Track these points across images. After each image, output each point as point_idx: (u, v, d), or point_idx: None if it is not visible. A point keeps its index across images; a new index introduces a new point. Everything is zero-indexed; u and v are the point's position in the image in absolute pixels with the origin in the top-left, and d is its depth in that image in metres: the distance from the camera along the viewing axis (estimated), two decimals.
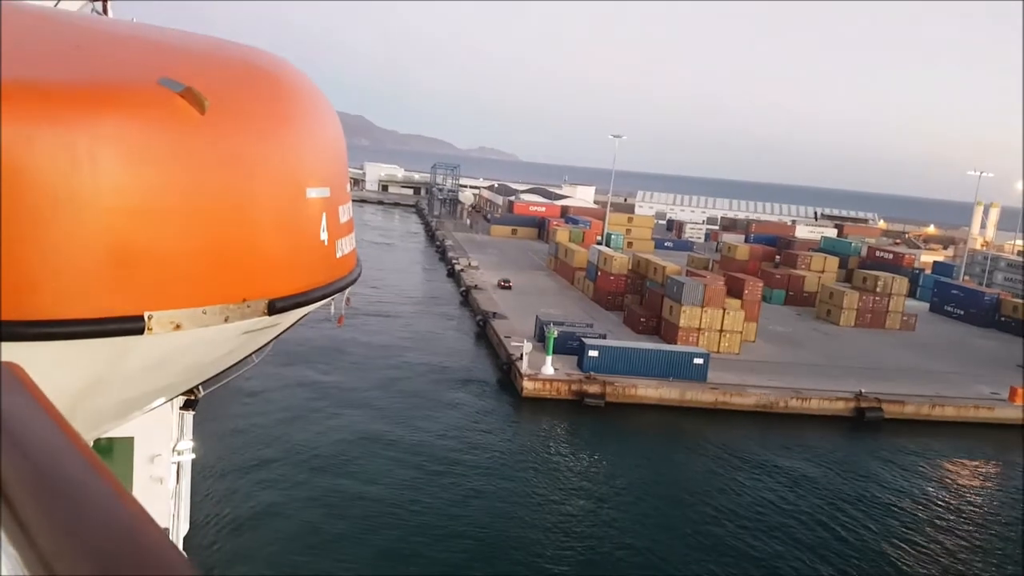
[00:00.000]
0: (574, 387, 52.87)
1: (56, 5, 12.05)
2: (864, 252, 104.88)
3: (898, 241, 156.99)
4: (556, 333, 55.12)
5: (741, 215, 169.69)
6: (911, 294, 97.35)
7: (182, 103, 5.33)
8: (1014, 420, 55.01)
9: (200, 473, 30.09)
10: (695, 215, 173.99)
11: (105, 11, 13.50)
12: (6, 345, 4.84)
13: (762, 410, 53.12)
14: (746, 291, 65.76)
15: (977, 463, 49.94)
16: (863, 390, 54.75)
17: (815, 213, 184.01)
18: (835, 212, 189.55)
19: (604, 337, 58.39)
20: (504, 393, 54.92)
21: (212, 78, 5.84)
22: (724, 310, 61.88)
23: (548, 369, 53.72)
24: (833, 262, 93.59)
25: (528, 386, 52.96)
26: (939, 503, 43.29)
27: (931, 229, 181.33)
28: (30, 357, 4.51)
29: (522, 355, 54.32)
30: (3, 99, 4.78)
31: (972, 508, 43.24)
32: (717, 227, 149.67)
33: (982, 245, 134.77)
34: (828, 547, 36.87)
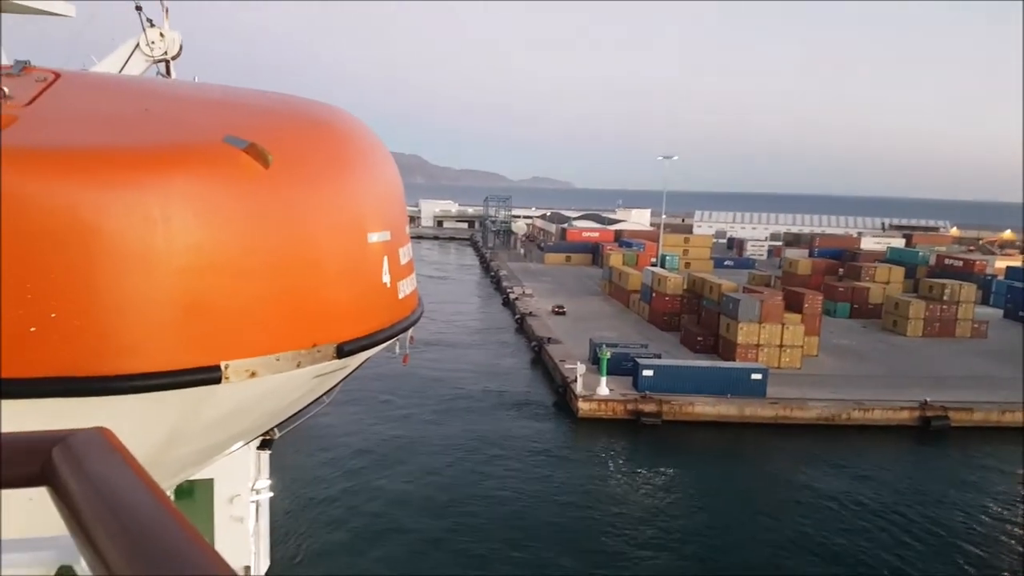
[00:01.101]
0: (629, 407, 52.73)
1: (121, 70, 13.46)
2: (932, 261, 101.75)
3: (971, 248, 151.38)
4: (609, 354, 55.14)
5: (806, 229, 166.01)
6: (984, 301, 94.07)
7: (247, 159, 5.54)
8: None
9: (277, 499, 31.31)
10: (757, 232, 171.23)
11: (168, 72, 14.04)
12: (89, 400, 5.08)
13: (824, 423, 51.95)
14: (806, 305, 64.64)
15: None
16: (928, 399, 53.02)
17: (882, 224, 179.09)
18: (904, 222, 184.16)
19: (659, 357, 58.10)
20: (561, 415, 55.11)
21: (273, 132, 6.06)
22: (783, 325, 60.94)
23: (603, 390, 53.73)
24: (899, 272, 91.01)
25: (583, 407, 53.03)
26: (1008, 509, 41.55)
27: (1007, 234, 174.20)
28: (113, 411, 5.07)
29: (576, 377, 54.48)
30: (80, 165, 5.06)
31: None
32: (780, 243, 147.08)
33: None
34: (896, 559, 35.78)
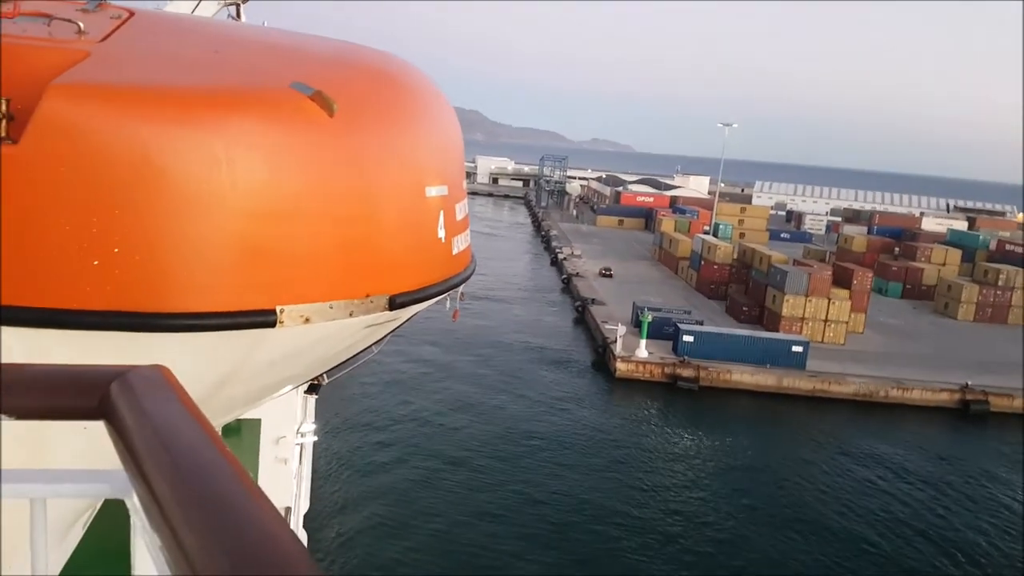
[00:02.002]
0: (667, 370, 53.70)
1: (194, 11, 13.50)
2: (993, 246, 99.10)
3: None
4: (651, 318, 56.03)
5: (868, 206, 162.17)
6: None
7: (312, 106, 5.57)
8: None
9: (322, 436, 33.32)
10: (817, 206, 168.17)
11: (239, 15, 14.16)
12: (147, 336, 5.18)
13: (862, 399, 52.22)
14: (855, 281, 64.23)
15: None
16: (970, 382, 52.75)
17: (947, 205, 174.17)
18: (969, 204, 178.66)
19: (700, 324, 58.74)
20: (599, 374, 56.39)
21: (339, 81, 6.09)
22: (829, 300, 60.84)
23: (642, 352, 54.77)
24: (955, 255, 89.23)
25: (621, 367, 54.20)
26: None
27: None
28: (170, 348, 5.18)
29: (616, 338, 55.55)
30: (148, 103, 5.17)
31: None
32: (839, 219, 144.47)
33: None
34: (919, 539, 36.43)
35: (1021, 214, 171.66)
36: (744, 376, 53.14)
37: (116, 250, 4.99)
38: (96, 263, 4.98)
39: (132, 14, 6.34)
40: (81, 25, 5.79)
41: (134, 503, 1.48)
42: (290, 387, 9.40)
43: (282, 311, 5.53)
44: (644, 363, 54.25)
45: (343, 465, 38.55)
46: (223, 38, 7.02)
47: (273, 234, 5.50)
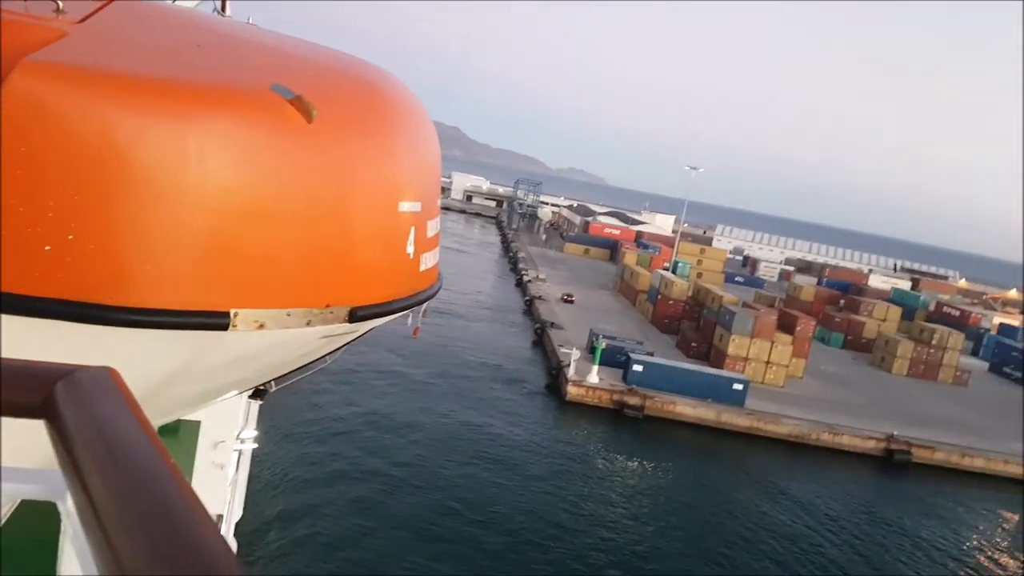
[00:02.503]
0: (615, 397, 56.49)
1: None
2: (932, 307, 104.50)
3: (975, 301, 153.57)
4: (604, 345, 58.93)
5: (820, 259, 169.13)
6: (975, 353, 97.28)
7: (291, 110, 5.55)
8: None
9: (262, 442, 34.49)
10: (773, 254, 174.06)
11: (224, 8, 13.77)
12: (99, 329, 5.03)
13: (795, 440, 55.52)
14: (798, 328, 67.95)
15: (994, 516, 51.09)
16: (895, 432, 56.51)
17: (895, 265, 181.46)
18: (916, 266, 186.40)
19: (651, 355, 61.82)
20: (550, 396, 58.87)
21: (321, 87, 6.09)
22: (772, 343, 64.42)
23: (593, 378, 57.51)
24: (896, 312, 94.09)
25: (572, 391, 56.84)
26: (942, 546, 44.98)
27: (1013, 293, 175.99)
28: (118, 342, 5.09)
29: (570, 362, 58.28)
30: (122, 89, 5.05)
31: (974, 555, 44.90)
32: (791, 268, 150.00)
33: None
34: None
35: (963, 280, 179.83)
36: (686, 408, 56.19)
37: (70, 237, 4.87)
38: (48, 248, 4.86)
39: None
40: (60, 4, 5.64)
41: (67, 506, 1.47)
42: (236, 392, 9.28)
43: (236, 315, 5.47)
44: (594, 388, 56.96)
45: (279, 474, 37.97)
46: (208, 32, 6.94)
47: (237, 235, 5.45)
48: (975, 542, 46.38)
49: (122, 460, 1.32)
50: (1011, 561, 44.91)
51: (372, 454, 42.91)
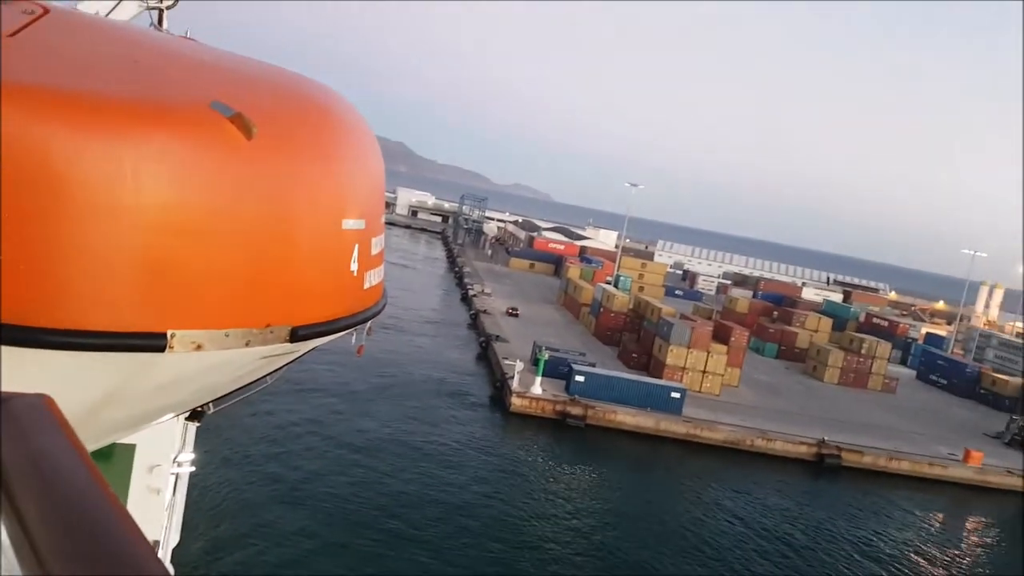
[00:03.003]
0: (558, 407, 57.65)
1: (110, 12, 12.52)
2: (862, 318, 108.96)
3: (904, 312, 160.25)
4: (547, 356, 60.17)
5: (757, 272, 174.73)
6: (903, 362, 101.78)
7: (231, 127, 5.48)
8: (965, 480, 58.91)
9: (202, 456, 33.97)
10: (712, 268, 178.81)
11: (160, 21, 13.42)
12: (30, 351, 4.90)
13: (730, 446, 57.47)
14: (732, 338, 70.29)
15: (919, 515, 53.71)
16: (826, 438, 58.95)
17: (828, 278, 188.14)
18: (848, 279, 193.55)
19: (592, 366, 63.27)
20: (495, 407, 59.75)
21: (261, 104, 6.02)
22: (708, 353, 66.55)
23: (536, 389, 58.58)
24: (827, 323, 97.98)
25: (516, 402, 57.80)
26: (872, 545, 47.22)
27: (940, 305, 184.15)
28: (49, 365, 4.98)
29: (514, 374, 59.30)
30: (54, 105, 4.94)
31: (902, 552, 47.22)
32: (728, 282, 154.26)
33: (985, 324, 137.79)
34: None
35: (893, 292, 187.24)
36: (627, 417, 57.68)
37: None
38: None
39: (47, 11, 6.00)
40: None
41: (2, 538, 1.42)
42: (173, 414, 8.95)
43: (173, 336, 5.35)
44: (537, 399, 58.03)
45: (217, 497, 37.22)
46: (145, 47, 6.79)
47: (174, 254, 5.33)
48: (902, 540, 48.69)
49: (58, 490, 1.30)
50: (938, 555, 47.31)
51: (314, 472, 42.64)
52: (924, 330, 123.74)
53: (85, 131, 4.98)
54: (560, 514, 43.27)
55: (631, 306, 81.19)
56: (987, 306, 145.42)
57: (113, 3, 12.60)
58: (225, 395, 8.35)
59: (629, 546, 40.72)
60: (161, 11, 13.29)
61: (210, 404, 10.42)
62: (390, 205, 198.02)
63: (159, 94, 5.56)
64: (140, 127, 5.19)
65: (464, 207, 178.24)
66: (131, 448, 13.71)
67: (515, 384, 58.61)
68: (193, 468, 15.64)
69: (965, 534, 53.07)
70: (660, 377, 64.76)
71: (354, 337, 7.53)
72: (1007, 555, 50.13)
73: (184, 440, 15.37)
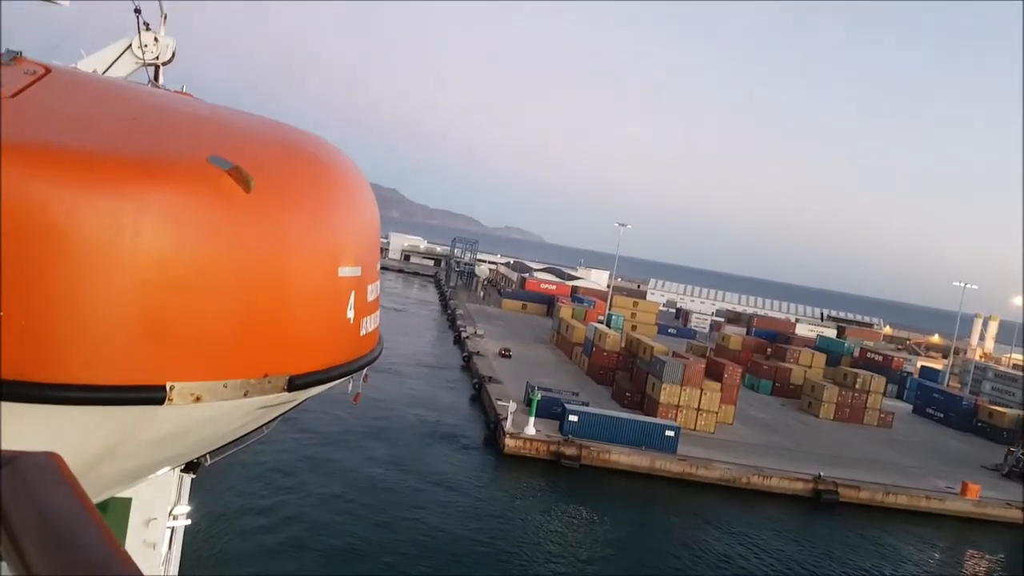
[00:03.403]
0: (552, 448, 57.17)
1: (108, 68, 12.97)
2: (856, 353, 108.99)
3: (900, 347, 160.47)
4: (540, 396, 59.82)
5: (750, 310, 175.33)
6: (899, 396, 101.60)
7: (229, 181, 5.55)
8: (962, 513, 58.27)
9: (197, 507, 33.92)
10: (705, 306, 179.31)
11: (156, 76, 13.80)
12: (30, 407, 4.91)
13: (726, 484, 56.91)
14: (726, 375, 70.11)
15: (917, 550, 53.00)
16: (822, 473, 58.45)
17: (821, 314, 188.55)
18: (842, 315, 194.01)
19: (586, 405, 62.91)
20: (488, 449, 59.26)
21: (259, 157, 6.09)
22: (702, 390, 66.30)
23: (530, 430, 58.16)
24: (821, 358, 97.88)
25: (510, 444, 57.34)
26: None
27: (935, 338, 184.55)
28: (48, 420, 5.00)
29: (507, 415, 58.91)
30: (56, 163, 5.01)
31: None
32: (722, 319, 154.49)
33: (981, 356, 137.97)
34: None
35: (888, 327, 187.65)
36: (621, 456, 57.19)
37: (1, 313, 4.77)
38: None
39: (48, 71, 6.21)
40: None
41: None
42: (170, 467, 8.92)
43: (172, 388, 5.38)
44: (531, 440, 57.57)
45: (215, 550, 37.05)
46: (143, 104, 6.95)
47: (172, 307, 5.37)
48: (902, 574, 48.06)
49: (71, 551, 1.30)
50: None
51: (309, 518, 42.34)
52: (919, 364, 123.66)
53: (85, 188, 5.04)
54: (555, 556, 42.67)
55: (623, 345, 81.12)
56: (982, 338, 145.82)
57: (111, 61, 13.02)
58: (223, 446, 8.30)
59: None
60: (157, 67, 13.79)
61: (207, 455, 10.35)
62: (383, 250, 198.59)
63: (157, 150, 5.65)
64: (139, 183, 5.26)
65: (456, 250, 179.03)
66: (127, 502, 13.49)
67: (508, 425, 58.19)
68: (189, 521, 15.33)
69: (964, 568, 52.37)
70: (654, 415, 64.40)
71: (350, 384, 7.53)
72: None
73: (180, 493, 15.15)
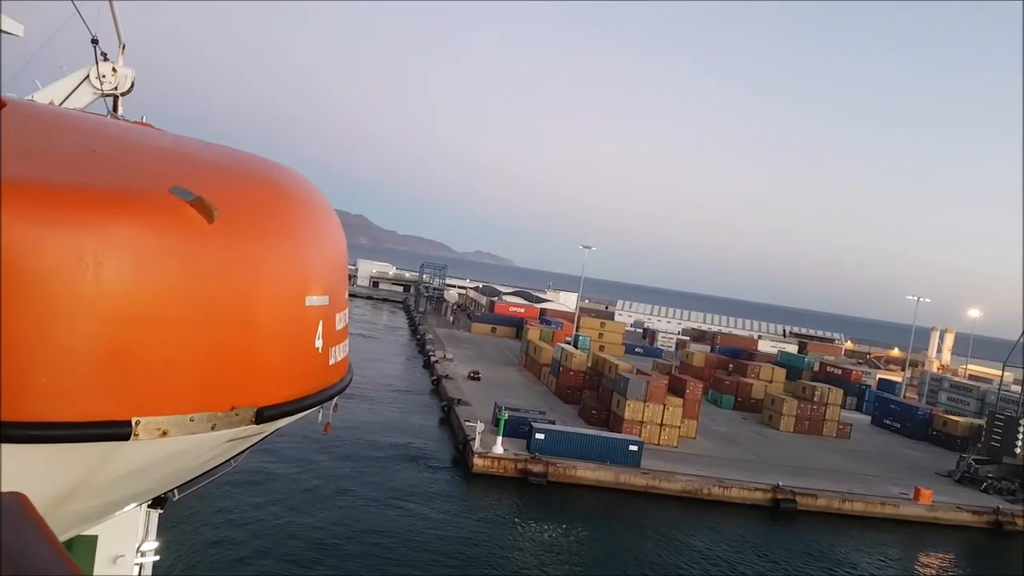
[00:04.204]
0: (519, 466, 58.54)
1: (66, 100, 12.63)
2: (816, 367, 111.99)
3: (860, 361, 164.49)
4: (507, 416, 61.28)
5: (715, 328, 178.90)
6: (858, 408, 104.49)
7: (191, 212, 5.48)
8: (915, 517, 60.68)
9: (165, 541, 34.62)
10: (671, 326, 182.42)
11: (116, 107, 13.55)
12: None
13: (688, 495, 58.70)
14: (687, 391, 72.23)
15: (873, 553, 55.08)
16: (780, 483, 60.49)
17: (784, 331, 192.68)
18: (804, 331, 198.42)
19: (553, 423, 64.47)
20: (457, 469, 60.42)
21: (222, 187, 6.04)
22: (664, 406, 68.25)
23: (498, 448, 59.50)
24: (781, 373, 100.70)
25: (478, 463, 58.60)
26: None
27: (895, 352, 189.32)
28: (13, 459, 4.93)
29: (475, 435, 60.21)
30: (15, 198, 4.88)
31: None
32: (687, 338, 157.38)
33: (938, 368, 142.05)
34: None
35: (849, 342, 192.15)
36: (587, 472, 58.74)
37: None
38: None
39: (3, 104, 6.13)
40: None
41: None
42: (136, 503, 8.82)
43: (138, 423, 5.29)
44: (499, 459, 58.89)
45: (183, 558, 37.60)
46: (103, 136, 6.85)
47: (136, 342, 5.30)
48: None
49: None
50: None
51: (280, 545, 42.85)
52: (878, 376, 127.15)
53: (45, 222, 4.96)
54: (523, 567, 43.90)
55: (589, 364, 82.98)
56: (940, 351, 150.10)
57: (68, 92, 12.85)
58: (191, 480, 8.21)
59: None
60: (116, 97, 13.63)
61: (175, 490, 10.15)
62: (351, 277, 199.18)
63: (118, 181, 5.56)
64: (100, 216, 5.18)
65: (424, 275, 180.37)
66: (93, 540, 13.12)
67: (477, 445, 59.48)
68: (157, 557, 15.13)
69: (917, 568, 54.51)
70: (619, 431, 66.10)
71: (320, 414, 7.41)
72: None
73: (147, 528, 14.91)
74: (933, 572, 54.64)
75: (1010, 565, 58.02)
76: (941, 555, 57.38)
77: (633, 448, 60.31)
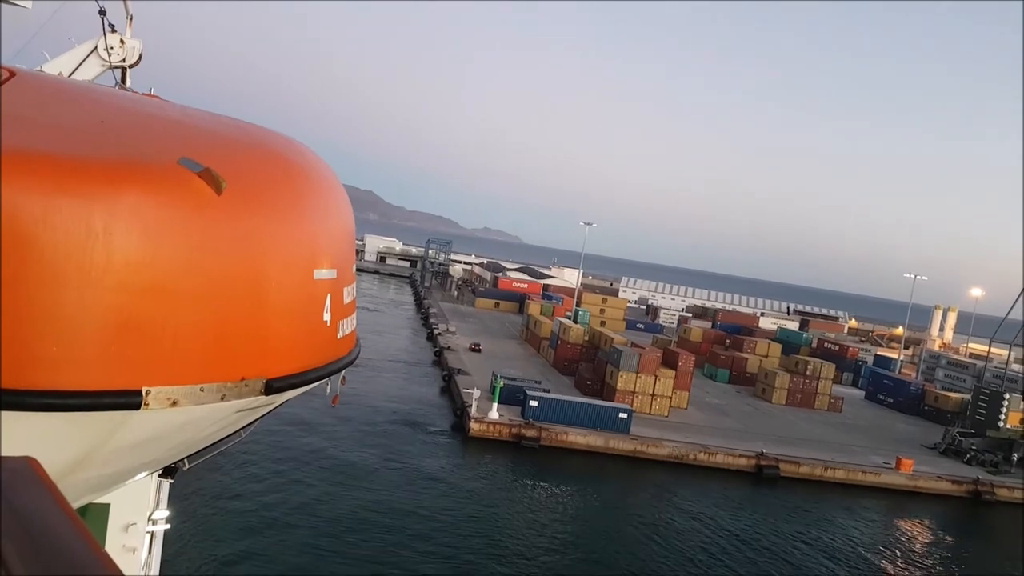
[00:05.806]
0: (513, 431, 60.96)
1: (74, 71, 12.66)
2: (814, 343, 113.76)
3: (863, 339, 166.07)
4: (503, 383, 63.66)
5: (718, 305, 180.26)
6: (855, 383, 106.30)
7: (200, 183, 5.52)
8: (896, 485, 62.81)
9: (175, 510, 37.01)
10: (675, 303, 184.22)
11: (124, 79, 13.54)
12: (4, 414, 4.87)
13: (674, 460, 61.02)
14: (680, 363, 74.34)
15: (852, 517, 57.36)
16: (764, 450, 62.72)
17: (788, 308, 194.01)
18: (808, 308, 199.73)
19: (547, 391, 66.83)
20: (455, 433, 62.95)
21: (231, 159, 6.08)
22: (656, 377, 70.41)
23: (493, 414, 61.94)
24: (776, 348, 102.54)
25: (474, 427, 61.06)
26: (808, 543, 50.73)
27: (899, 331, 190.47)
28: (23, 427, 5.10)
29: (472, 402, 62.65)
30: (25, 168, 4.94)
31: (836, 549, 50.78)
32: (689, 314, 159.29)
33: (940, 346, 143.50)
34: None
35: (852, 320, 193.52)
36: (578, 437, 61.11)
37: None
38: None
39: (13, 74, 6.15)
40: None
41: None
42: (147, 472, 9.00)
43: (148, 392, 5.37)
44: (494, 424, 61.36)
45: (193, 552, 38.27)
46: (112, 107, 6.92)
47: (146, 311, 5.34)
48: (835, 539, 52.26)
49: (54, 555, 1.31)
50: (868, 556, 50.83)
51: (287, 505, 44.85)
52: (879, 353, 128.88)
53: (54, 193, 4.99)
54: (520, 526, 46.15)
55: (586, 338, 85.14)
56: (942, 329, 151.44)
57: (76, 64, 12.80)
58: (200, 450, 8.36)
59: (588, 551, 43.89)
60: (124, 69, 13.56)
61: (185, 460, 10.35)
62: (359, 252, 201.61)
63: (126, 153, 5.58)
64: (109, 187, 5.20)
65: (430, 251, 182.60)
66: (105, 508, 13.37)
67: (473, 411, 61.92)
68: (168, 525, 15.41)
69: (896, 533, 56.67)
70: (612, 401, 68.36)
71: (328, 387, 7.53)
72: (934, 552, 53.86)
73: (158, 497, 15.22)
74: (911, 535, 56.85)
75: (988, 533, 60.27)
76: (919, 521, 59.54)
77: (623, 415, 62.59)
